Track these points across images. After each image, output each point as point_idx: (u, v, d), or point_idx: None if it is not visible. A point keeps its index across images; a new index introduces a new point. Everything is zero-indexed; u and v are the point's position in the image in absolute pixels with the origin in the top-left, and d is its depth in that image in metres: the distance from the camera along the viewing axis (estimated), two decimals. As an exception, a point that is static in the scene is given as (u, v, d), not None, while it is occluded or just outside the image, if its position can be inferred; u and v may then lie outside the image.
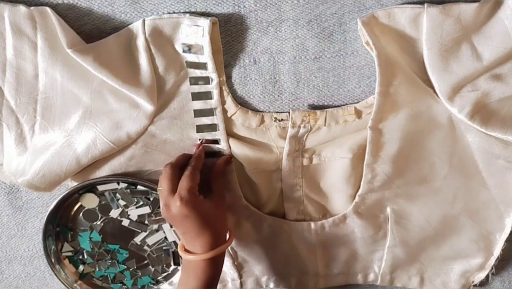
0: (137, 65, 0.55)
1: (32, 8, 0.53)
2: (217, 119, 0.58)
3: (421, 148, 0.57)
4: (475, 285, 0.66)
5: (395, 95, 0.55)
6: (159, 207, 0.62)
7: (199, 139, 0.59)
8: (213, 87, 0.57)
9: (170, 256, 0.65)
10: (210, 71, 0.56)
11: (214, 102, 0.57)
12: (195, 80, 0.57)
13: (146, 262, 0.66)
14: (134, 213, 0.63)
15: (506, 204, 0.60)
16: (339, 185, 0.60)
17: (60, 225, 0.64)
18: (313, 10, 0.55)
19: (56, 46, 0.54)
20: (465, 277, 0.65)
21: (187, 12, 0.55)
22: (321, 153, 0.59)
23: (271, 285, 0.68)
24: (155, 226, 0.64)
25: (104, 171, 0.59)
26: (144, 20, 0.54)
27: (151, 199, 0.62)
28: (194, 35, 0.54)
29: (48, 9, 0.53)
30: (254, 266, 0.66)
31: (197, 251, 0.55)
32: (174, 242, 0.65)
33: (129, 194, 0.62)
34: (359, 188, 0.59)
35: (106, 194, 0.62)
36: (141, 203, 0.63)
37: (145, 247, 0.65)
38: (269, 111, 0.59)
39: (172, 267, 0.66)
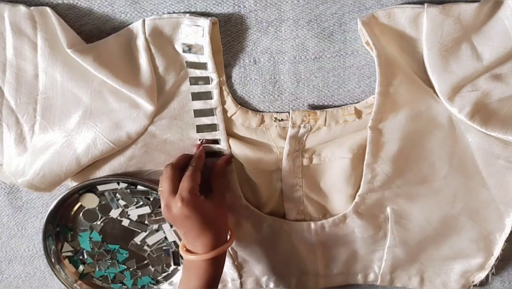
0: (137, 65, 0.55)
1: (32, 8, 0.53)
2: (217, 119, 0.58)
3: (421, 148, 0.57)
4: (475, 285, 0.66)
5: (395, 95, 0.55)
6: (159, 207, 0.62)
7: (199, 140, 0.59)
8: (213, 87, 0.57)
9: (170, 256, 0.66)
10: (210, 71, 0.56)
11: (214, 102, 0.57)
12: (195, 80, 0.57)
13: (146, 262, 0.66)
14: (134, 213, 0.63)
15: (506, 204, 0.60)
16: (339, 185, 0.60)
17: (60, 225, 0.64)
18: (313, 10, 0.55)
19: (56, 46, 0.54)
20: (465, 277, 0.65)
21: (187, 12, 0.55)
22: (321, 153, 0.59)
23: (271, 285, 0.68)
24: (155, 226, 0.64)
25: (104, 171, 0.59)
26: (144, 20, 0.54)
27: (151, 199, 0.62)
28: (194, 35, 0.54)
29: (48, 9, 0.53)
30: (254, 266, 0.66)
31: (198, 251, 0.55)
32: (174, 242, 0.65)
33: (129, 194, 0.62)
34: (359, 188, 0.59)
35: (106, 194, 0.62)
36: (141, 203, 0.63)
37: (145, 247, 0.65)
38: (269, 111, 0.59)
39: (172, 267, 0.66)
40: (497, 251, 0.63)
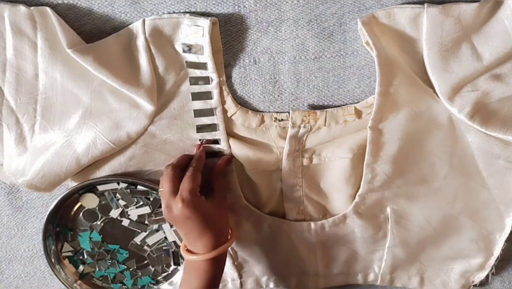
0: (137, 65, 0.55)
1: (32, 8, 0.53)
2: (217, 119, 0.58)
3: (421, 148, 0.57)
4: (475, 285, 0.66)
5: (395, 95, 0.55)
6: (159, 207, 0.62)
7: (199, 140, 0.59)
8: (213, 87, 0.57)
9: (170, 256, 0.66)
10: (210, 71, 0.56)
11: (214, 102, 0.57)
12: (195, 80, 0.57)
13: (146, 262, 0.66)
14: (134, 213, 0.63)
15: (506, 204, 0.60)
16: (339, 185, 0.60)
17: (60, 225, 0.64)
18: (313, 10, 0.55)
19: (56, 46, 0.54)
20: (465, 277, 0.65)
21: (187, 12, 0.55)
22: (321, 153, 0.59)
23: (271, 285, 0.68)
24: (155, 226, 0.64)
25: (104, 171, 0.59)
26: (144, 20, 0.54)
27: (151, 199, 0.62)
28: (194, 35, 0.54)
29: (48, 9, 0.53)
30: (254, 266, 0.66)
31: (199, 251, 0.55)
32: (174, 242, 0.65)
33: (129, 194, 0.62)
34: (359, 188, 0.59)
35: (106, 194, 0.62)
36: (141, 203, 0.63)
37: (145, 247, 0.65)
38: (269, 111, 0.59)
39: (172, 267, 0.66)
40: (497, 251, 0.63)
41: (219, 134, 0.58)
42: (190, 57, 0.56)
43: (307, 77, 0.58)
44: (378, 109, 0.55)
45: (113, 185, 0.61)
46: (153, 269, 0.66)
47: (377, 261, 0.66)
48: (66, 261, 0.65)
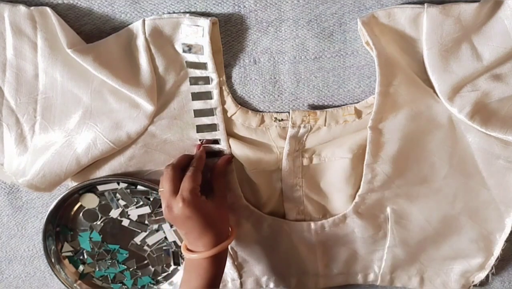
0: (137, 65, 0.55)
1: (32, 8, 0.53)
2: (217, 119, 0.58)
3: (421, 148, 0.57)
4: (475, 285, 0.66)
5: (395, 95, 0.55)
6: (159, 207, 0.62)
7: (199, 140, 0.59)
8: (213, 87, 0.57)
9: (170, 256, 0.65)
10: (210, 71, 0.56)
11: (214, 102, 0.57)
12: (195, 80, 0.57)
13: (146, 262, 0.66)
14: (134, 213, 0.63)
15: (506, 204, 0.60)
16: (339, 185, 0.60)
17: (60, 225, 0.64)
18: (313, 10, 0.55)
19: (56, 46, 0.54)
20: (465, 277, 0.65)
21: (187, 12, 0.55)
22: (321, 153, 0.59)
23: (271, 285, 0.68)
24: (155, 226, 0.64)
25: (104, 171, 0.59)
26: (144, 20, 0.54)
27: (151, 199, 0.62)
28: (194, 35, 0.54)
29: (48, 9, 0.53)
30: (254, 266, 0.66)
31: (200, 251, 0.55)
32: (174, 242, 0.65)
33: (129, 194, 0.62)
34: (359, 188, 0.59)
35: (106, 194, 0.62)
36: (141, 203, 0.63)
37: (145, 247, 0.65)
38: (269, 111, 0.59)
39: (172, 267, 0.66)
40: (497, 251, 0.63)
41: (219, 134, 0.58)
42: (190, 57, 0.56)
43: (307, 77, 0.58)
44: (378, 109, 0.55)
45: (113, 185, 0.61)
46: (153, 269, 0.66)
47: (377, 261, 0.66)
48: (66, 261, 0.65)
